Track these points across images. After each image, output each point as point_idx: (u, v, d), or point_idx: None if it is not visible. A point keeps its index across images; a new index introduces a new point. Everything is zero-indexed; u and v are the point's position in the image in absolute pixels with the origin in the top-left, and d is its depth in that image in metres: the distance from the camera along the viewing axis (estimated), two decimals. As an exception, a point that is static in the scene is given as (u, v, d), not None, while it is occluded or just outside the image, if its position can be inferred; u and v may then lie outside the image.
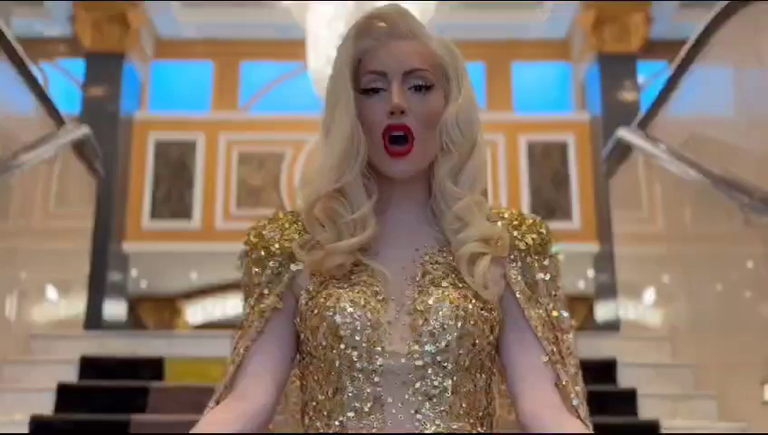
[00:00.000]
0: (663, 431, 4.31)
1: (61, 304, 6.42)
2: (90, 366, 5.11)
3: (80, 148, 6.54)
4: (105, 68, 10.52)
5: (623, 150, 6.58)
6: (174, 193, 10.71)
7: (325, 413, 1.53)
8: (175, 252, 10.77)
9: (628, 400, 4.66)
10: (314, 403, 1.56)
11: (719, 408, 4.71)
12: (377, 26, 1.62)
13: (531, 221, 1.67)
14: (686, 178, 5.07)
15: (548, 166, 10.62)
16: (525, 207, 9.78)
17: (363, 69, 1.60)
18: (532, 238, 1.63)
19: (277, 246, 1.62)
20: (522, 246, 1.62)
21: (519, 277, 1.60)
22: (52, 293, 6.29)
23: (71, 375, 5.03)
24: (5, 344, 5.25)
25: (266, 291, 1.61)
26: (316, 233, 1.59)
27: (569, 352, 1.62)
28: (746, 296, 4.62)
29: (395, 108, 1.53)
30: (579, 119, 10.97)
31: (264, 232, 1.65)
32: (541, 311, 1.60)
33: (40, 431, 4.32)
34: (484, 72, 11.42)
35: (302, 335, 1.58)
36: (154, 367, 5.08)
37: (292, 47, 10.35)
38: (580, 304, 11.38)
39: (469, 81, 1.66)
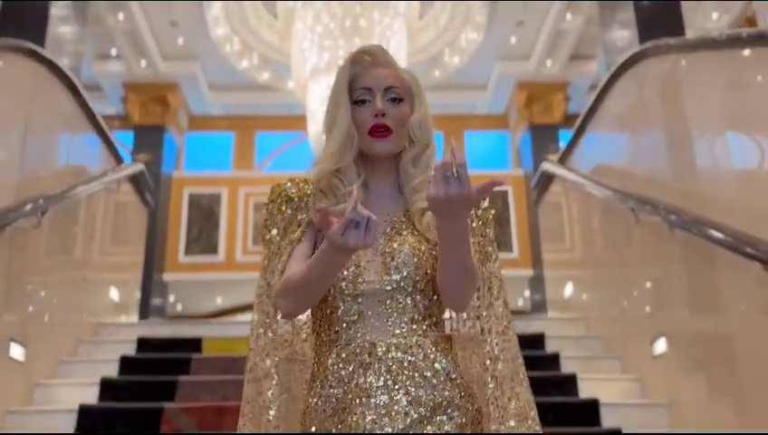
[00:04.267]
0: (579, 381, 4.52)
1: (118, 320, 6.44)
2: (145, 344, 5.21)
3: (135, 180, 6.61)
4: (150, 138, 10.74)
5: (547, 179, 6.73)
6: (203, 234, 10.84)
7: (326, 326, 1.69)
8: (204, 280, 10.84)
9: (553, 361, 4.84)
10: (319, 321, 1.72)
11: (621, 365, 4.87)
12: (364, 58, 1.80)
13: None
14: (594, 193, 5.23)
15: (493, 210, 10.83)
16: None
17: (355, 86, 1.77)
18: None
19: (295, 191, 1.79)
20: None
21: None
22: (111, 309, 6.37)
23: (130, 350, 5.13)
24: (79, 329, 5.40)
25: (294, 227, 1.76)
26: (321, 201, 1.75)
27: (497, 281, 1.77)
28: (638, 287, 4.81)
29: (379, 111, 1.71)
30: (516, 174, 11.27)
31: (285, 186, 1.81)
32: (473, 240, 1.74)
33: (107, 389, 4.46)
34: (443, 140, 11.68)
35: None
36: (194, 344, 5.18)
37: (295, 121, 10.56)
38: (518, 317, 11.49)
39: (426, 98, 1.84)
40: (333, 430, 1.59)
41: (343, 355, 1.63)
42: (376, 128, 1.72)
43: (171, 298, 11.31)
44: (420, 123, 1.75)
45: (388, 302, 1.65)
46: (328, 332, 1.68)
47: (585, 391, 4.45)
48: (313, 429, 1.63)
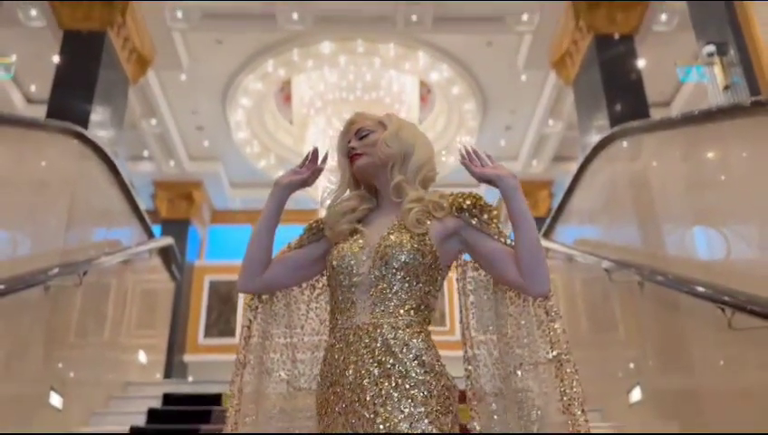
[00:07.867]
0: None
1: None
2: (170, 399, 5.27)
3: (164, 253, 6.76)
4: (176, 230, 10.77)
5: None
6: (222, 318, 10.90)
7: (332, 315, 1.90)
8: (221, 361, 10.67)
9: (540, 412, 4.86)
10: (330, 310, 1.94)
11: (602, 415, 4.91)
12: (348, 127, 2.06)
13: (467, 193, 1.92)
14: (575, 259, 5.36)
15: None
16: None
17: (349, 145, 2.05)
18: (468, 202, 1.89)
19: (316, 224, 2.06)
20: (464, 205, 1.88)
21: (470, 219, 1.87)
22: (138, 373, 6.41)
23: (156, 404, 5.19)
24: (110, 387, 5.48)
25: (305, 242, 2.06)
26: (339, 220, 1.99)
27: None
28: (614, 343, 4.92)
29: (350, 149, 2.00)
30: (507, 263, 11.35)
31: (318, 218, 2.08)
32: (499, 243, 1.86)
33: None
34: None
35: (326, 271, 1.95)
36: (215, 399, 5.22)
37: (308, 215, 10.12)
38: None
39: (396, 122, 2.02)
40: (329, 400, 1.77)
41: (338, 336, 1.83)
42: (351, 159, 2.00)
43: (189, 379, 11.26)
44: (387, 139, 1.97)
45: (372, 290, 1.82)
46: (332, 320, 1.89)
47: (570, 437, 4.47)
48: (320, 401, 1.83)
